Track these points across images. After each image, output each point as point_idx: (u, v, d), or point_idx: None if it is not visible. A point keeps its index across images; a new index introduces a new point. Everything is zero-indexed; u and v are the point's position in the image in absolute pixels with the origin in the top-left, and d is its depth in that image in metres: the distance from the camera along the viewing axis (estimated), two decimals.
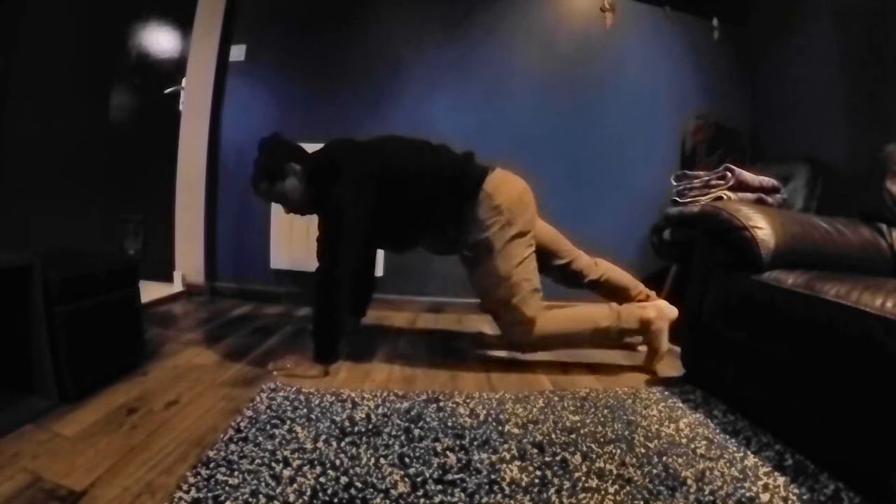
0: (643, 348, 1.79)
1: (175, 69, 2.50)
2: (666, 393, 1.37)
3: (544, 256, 1.69)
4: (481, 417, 1.17)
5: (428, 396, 1.28)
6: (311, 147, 1.64)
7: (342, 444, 1.01)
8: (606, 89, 2.54)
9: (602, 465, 0.97)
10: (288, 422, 1.10)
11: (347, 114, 2.43)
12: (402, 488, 0.86)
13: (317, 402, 1.21)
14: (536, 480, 0.90)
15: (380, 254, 2.23)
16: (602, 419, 1.18)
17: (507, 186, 1.58)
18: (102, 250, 1.78)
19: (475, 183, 1.56)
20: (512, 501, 0.84)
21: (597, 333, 1.59)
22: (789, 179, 2.09)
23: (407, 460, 0.96)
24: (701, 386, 1.39)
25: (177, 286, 2.44)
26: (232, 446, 0.97)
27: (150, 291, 2.17)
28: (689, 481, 0.91)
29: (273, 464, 0.91)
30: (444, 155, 1.62)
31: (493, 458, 0.98)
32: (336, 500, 0.81)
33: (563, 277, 1.80)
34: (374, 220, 1.53)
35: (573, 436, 1.09)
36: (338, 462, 0.93)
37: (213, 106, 2.45)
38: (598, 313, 1.61)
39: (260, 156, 1.57)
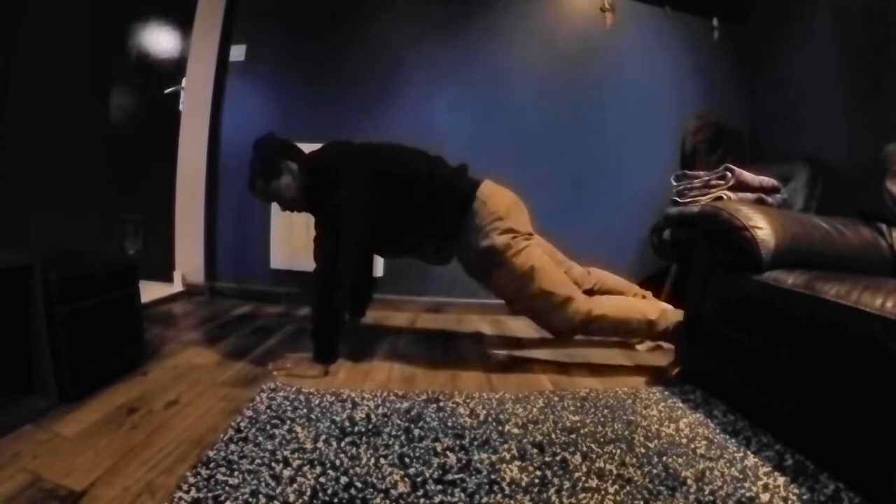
0: (641, 347, 1.81)
1: (175, 69, 2.50)
2: (666, 393, 1.37)
3: None
4: (481, 417, 1.17)
5: (428, 396, 1.28)
6: (309, 147, 1.64)
7: (342, 444, 1.01)
8: (606, 89, 2.54)
9: (602, 465, 0.97)
10: (288, 422, 1.10)
11: (347, 114, 2.43)
12: (402, 488, 0.86)
13: (317, 402, 1.21)
14: (536, 480, 0.90)
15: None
16: (602, 419, 1.18)
17: (500, 195, 1.60)
18: (102, 250, 1.78)
19: (470, 190, 1.57)
20: (512, 501, 0.84)
21: (644, 325, 1.61)
22: (789, 179, 2.09)
23: (407, 460, 0.95)
24: (701, 386, 1.39)
25: (177, 286, 2.44)
26: (232, 446, 0.97)
27: (150, 291, 2.17)
28: (689, 481, 0.91)
29: (273, 464, 0.91)
30: (440, 164, 1.64)
31: (493, 458, 0.98)
32: (336, 500, 0.81)
33: None
34: (373, 222, 1.53)
35: (573, 436, 1.09)
36: (338, 462, 0.93)
37: (213, 106, 2.45)
38: (646, 306, 1.64)
39: (255, 154, 1.58)
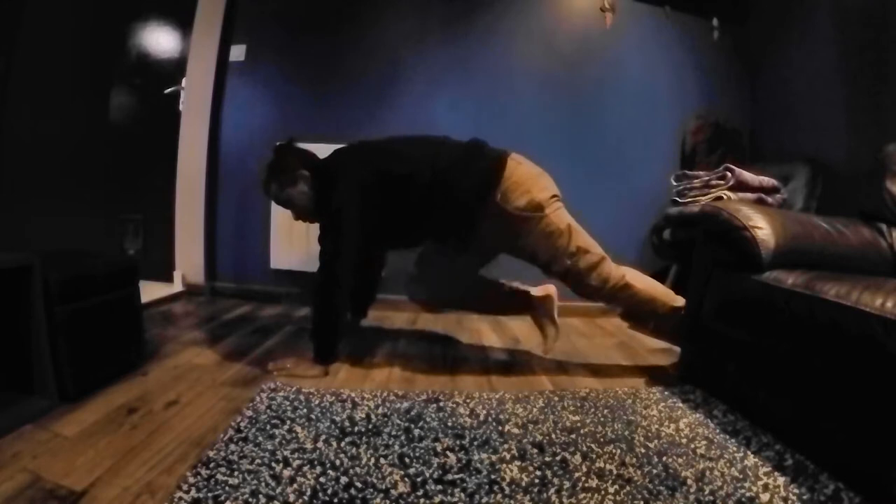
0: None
1: (175, 69, 2.50)
2: (666, 393, 1.37)
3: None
4: (481, 417, 1.17)
5: (428, 396, 1.28)
6: (311, 147, 1.64)
7: (342, 444, 1.01)
8: (606, 89, 2.54)
9: (602, 465, 0.97)
10: (288, 422, 1.10)
11: (347, 114, 2.43)
12: (402, 488, 0.86)
13: (317, 402, 1.21)
14: (536, 480, 0.90)
15: None
16: (602, 419, 1.18)
17: (523, 168, 1.56)
18: (102, 250, 1.78)
19: (492, 164, 1.53)
20: (512, 501, 0.84)
21: (666, 310, 1.61)
22: (789, 179, 2.09)
23: (407, 460, 0.96)
24: (701, 386, 1.39)
25: (177, 286, 2.43)
26: (232, 446, 0.97)
27: (150, 291, 2.16)
28: (689, 481, 0.91)
29: (273, 464, 0.91)
30: (445, 157, 1.54)
31: (493, 458, 0.98)
32: (336, 500, 0.81)
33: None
34: (379, 220, 1.52)
35: (573, 436, 1.09)
36: (338, 462, 0.93)
37: (213, 106, 2.45)
38: (671, 293, 1.65)
39: (274, 158, 1.58)
